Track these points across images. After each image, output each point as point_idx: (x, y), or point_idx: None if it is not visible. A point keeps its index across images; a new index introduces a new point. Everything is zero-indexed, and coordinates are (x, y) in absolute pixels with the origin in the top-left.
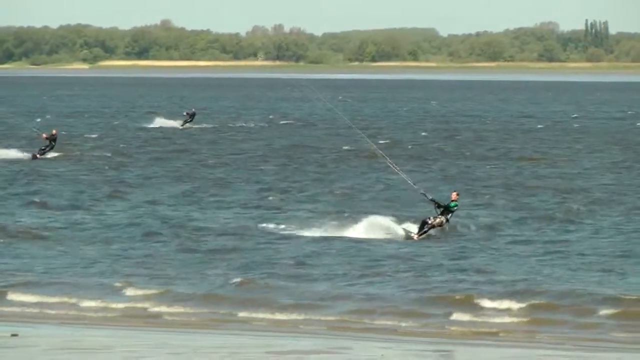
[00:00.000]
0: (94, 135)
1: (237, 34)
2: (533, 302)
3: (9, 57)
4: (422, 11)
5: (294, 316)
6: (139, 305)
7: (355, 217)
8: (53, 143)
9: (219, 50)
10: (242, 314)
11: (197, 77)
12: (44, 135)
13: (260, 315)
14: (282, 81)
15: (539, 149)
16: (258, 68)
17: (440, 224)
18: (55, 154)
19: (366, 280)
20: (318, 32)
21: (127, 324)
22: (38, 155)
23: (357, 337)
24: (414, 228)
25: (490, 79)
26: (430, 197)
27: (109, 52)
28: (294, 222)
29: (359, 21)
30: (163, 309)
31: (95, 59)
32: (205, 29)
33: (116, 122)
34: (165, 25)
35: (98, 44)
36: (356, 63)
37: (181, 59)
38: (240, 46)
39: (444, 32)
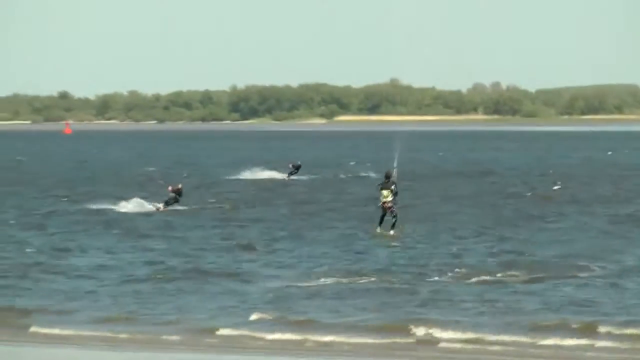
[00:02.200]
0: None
1: (458, 91)
2: None
3: (253, 113)
4: (626, 67)
5: None
6: None
7: None
8: (179, 197)
9: (442, 106)
10: None
11: (424, 130)
12: (170, 188)
13: None
14: (498, 133)
15: None
16: (478, 121)
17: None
18: (180, 207)
19: None
20: (532, 88)
21: None
22: (162, 208)
23: None
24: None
25: None
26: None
27: (344, 108)
28: None
29: (568, 78)
30: None
31: (331, 114)
32: (430, 86)
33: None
34: (394, 83)
35: (334, 100)
36: (566, 116)
37: (408, 113)
38: (461, 102)
39: None
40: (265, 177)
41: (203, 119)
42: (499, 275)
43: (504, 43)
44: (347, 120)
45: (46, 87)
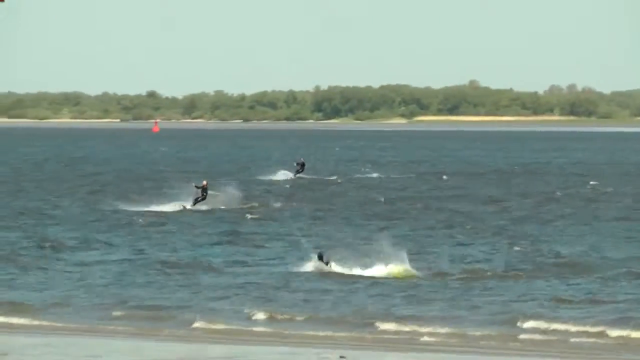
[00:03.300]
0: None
1: (535, 92)
2: None
3: (336, 113)
4: None
5: None
6: None
7: None
8: (205, 194)
9: (519, 107)
10: None
11: (500, 131)
12: (194, 185)
13: None
14: (575, 134)
15: None
16: (554, 122)
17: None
18: (206, 207)
19: None
20: (607, 90)
21: None
22: (187, 207)
23: None
24: None
25: None
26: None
27: (424, 108)
28: None
29: None
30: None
31: (411, 114)
32: (508, 87)
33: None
34: (473, 85)
35: (414, 101)
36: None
37: (486, 114)
38: (538, 103)
39: None
40: (281, 178)
41: (287, 118)
42: None
43: (581, 46)
44: (426, 120)
45: (135, 86)
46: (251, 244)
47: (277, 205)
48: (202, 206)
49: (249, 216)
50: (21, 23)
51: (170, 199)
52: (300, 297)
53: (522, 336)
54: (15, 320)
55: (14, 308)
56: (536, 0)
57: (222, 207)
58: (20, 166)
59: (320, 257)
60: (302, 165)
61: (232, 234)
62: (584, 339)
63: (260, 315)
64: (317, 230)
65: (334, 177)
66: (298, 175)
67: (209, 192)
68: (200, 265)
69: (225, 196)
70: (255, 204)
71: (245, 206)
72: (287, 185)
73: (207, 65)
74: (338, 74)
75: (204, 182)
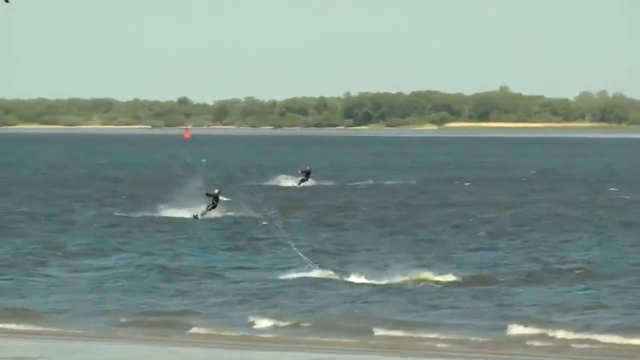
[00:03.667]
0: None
1: (566, 99)
2: None
3: (366, 119)
4: None
5: None
6: None
7: None
8: (215, 202)
9: (550, 113)
10: None
11: (530, 137)
12: (206, 193)
13: None
14: (606, 140)
15: None
16: (585, 129)
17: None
18: (215, 214)
19: None
20: (638, 97)
21: None
22: (199, 216)
23: None
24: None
25: None
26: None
27: (455, 114)
28: None
29: None
30: None
31: (442, 120)
32: (538, 94)
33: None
34: (504, 91)
35: (444, 107)
36: None
37: (517, 121)
38: (569, 109)
39: None
40: (282, 184)
41: (318, 125)
42: None
43: (612, 52)
44: (457, 126)
45: (166, 93)
46: (257, 250)
47: (285, 212)
48: (212, 213)
49: (259, 223)
50: (52, 29)
51: (181, 205)
52: (304, 303)
53: (529, 342)
54: (23, 327)
55: (17, 314)
56: (568, 6)
57: (231, 214)
58: (40, 171)
59: (324, 267)
60: (308, 173)
61: (238, 240)
62: (588, 346)
63: (265, 322)
64: (325, 236)
65: (356, 183)
66: (303, 184)
67: (220, 198)
68: (206, 271)
69: (233, 203)
70: (267, 211)
71: (253, 214)
72: (296, 192)
73: (238, 71)
74: (368, 80)
75: (216, 191)
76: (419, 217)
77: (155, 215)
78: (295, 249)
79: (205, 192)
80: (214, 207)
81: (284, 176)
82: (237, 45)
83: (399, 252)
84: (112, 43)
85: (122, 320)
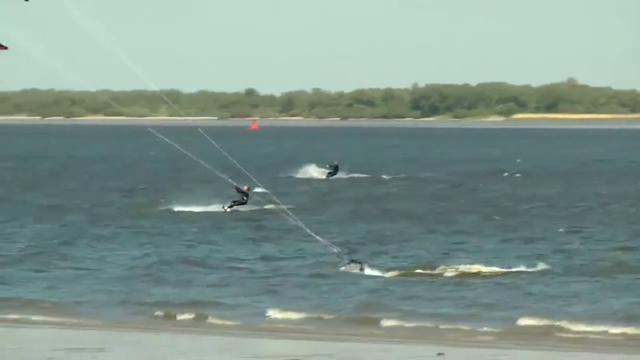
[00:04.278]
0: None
1: (634, 90)
2: None
3: (433, 111)
4: None
5: None
6: None
7: None
8: (245, 198)
9: (617, 105)
10: None
11: (598, 129)
12: (235, 187)
13: None
14: None
15: None
16: None
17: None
18: (245, 209)
19: None
20: None
21: None
22: (227, 209)
23: None
24: None
25: None
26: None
27: (522, 106)
28: None
29: None
30: None
31: (509, 112)
32: (606, 85)
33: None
34: (571, 83)
35: (511, 99)
36: None
37: (584, 112)
38: (636, 101)
39: None
40: (306, 176)
41: (384, 116)
42: None
43: None
44: (524, 118)
45: (233, 84)
46: (281, 242)
47: (311, 204)
48: (239, 208)
49: (281, 215)
50: (116, 21)
51: (208, 199)
52: (322, 294)
53: (557, 334)
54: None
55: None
56: None
57: (255, 208)
58: (69, 164)
59: (353, 261)
60: (336, 167)
61: (260, 232)
62: (601, 337)
63: (286, 314)
64: (347, 229)
65: (387, 177)
66: (331, 177)
67: (250, 194)
68: (225, 262)
69: (261, 195)
70: (290, 205)
71: (278, 205)
72: (322, 185)
73: (305, 63)
74: (436, 71)
75: (245, 187)
76: (446, 210)
77: (183, 208)
78: (319, 238)
79: (234, 186)
80: (243, 203)
81: (314, 167)
82: (304, 37)
83: (433, 244)
84: (179, 34)
85: (157, 313)
